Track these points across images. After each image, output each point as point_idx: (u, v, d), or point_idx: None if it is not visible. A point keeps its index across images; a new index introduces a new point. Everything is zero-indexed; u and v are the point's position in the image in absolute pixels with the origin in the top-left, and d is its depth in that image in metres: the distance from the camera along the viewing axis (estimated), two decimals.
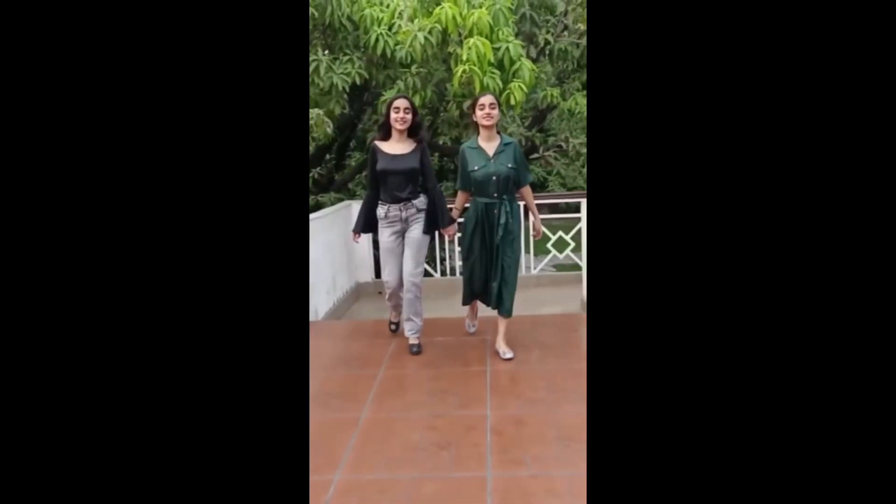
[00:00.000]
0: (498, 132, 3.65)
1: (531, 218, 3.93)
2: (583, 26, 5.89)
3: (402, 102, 3.69)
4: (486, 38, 4.89)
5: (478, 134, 3.64)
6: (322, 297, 5.32)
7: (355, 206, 6.41)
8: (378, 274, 6.92)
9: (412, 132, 3.75)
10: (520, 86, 4.99)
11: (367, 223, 3.95)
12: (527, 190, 3.82)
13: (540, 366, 3.57)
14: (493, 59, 4.93)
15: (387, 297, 4.14)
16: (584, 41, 5.90)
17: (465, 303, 4.06)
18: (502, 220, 3.59)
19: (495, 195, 3.57)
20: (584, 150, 6.59)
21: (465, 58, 4.74)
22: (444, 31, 4.94)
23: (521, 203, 3.82)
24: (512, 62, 5.07)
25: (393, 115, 3.66)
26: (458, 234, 4.28)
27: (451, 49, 5.12)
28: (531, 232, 4.02)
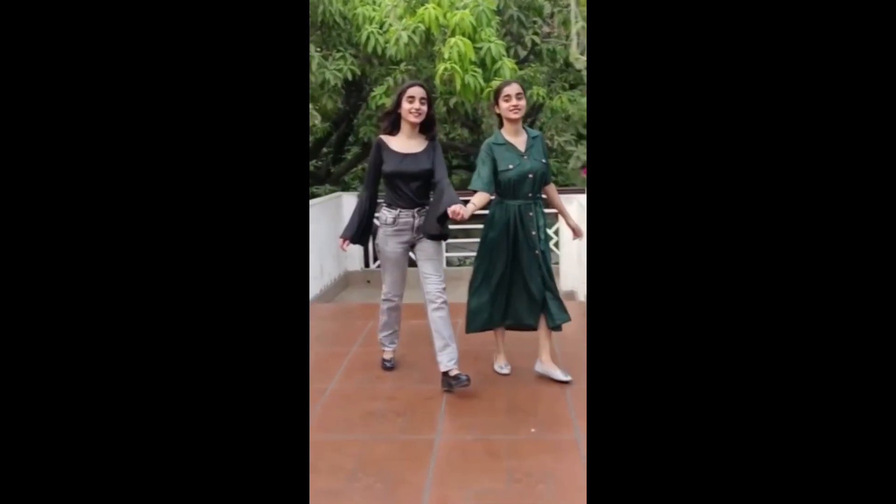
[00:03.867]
0: (523, 126, 3.26)
1: (568, 219, 3.45)
2: (566, 29, 6.11)
3: (418, 91, 3.10)
4: (469, 38, 5.12)
5: (500, 127, 3.23)
6: (310, 282, 5.57)
7: (346, 198, 6.67)
8: (367, 262, 7.19)
9: (425, 127, 3.19)
10: None
11: (362, 231, 3.31)
12: (553, 188, 3.39)
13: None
14: (474, 59, 5.16)
15: (382, 321, 3.48)
16: (568, 42, 6.12)
17: (472, 330, 3.35)
18: (541, 223, 3.20)
19: (530, 195, 3.18)
20: (569, 148, 6.81)
21: (446, 56, 4.98)
22: (428, 31, 5.18)
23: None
24: (493, 61, 5.30)
25: (407, 106, 3.08)
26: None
27: (436, 48, 5.37)
28: (570, 235, 3.54)
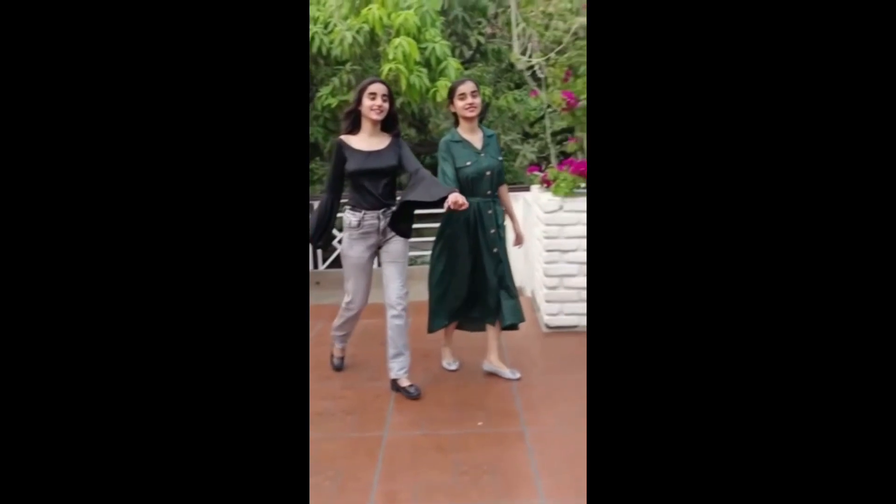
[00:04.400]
0: (478, 125, 3.28)
1: (515, 224, 3.54)
2: (509, 30, 6.20)
3: (379, 87, 3.03)
4: (414, 38, 5.14)
5: (456, 126, 3.26)
6: None
7: None
8: (316, 264, 7.12)
9: (387, 125, 3.12)
10: (446, 84, 5.25)
11: (320, 233, 3.20)
12: (505, 188, 3.41)
13: (452, 344, 3.84)
14: (419, 59, 5.19)
15: (338, 322, 3.37)
16: (511, 42, 6.22)
17: (438, 327, 3.38)
18: (500, 221, 3.25)
19: (489, 192, 3.21)
20: (515, 146, 6.92)
21: (391, 56, 4.99)
22: (373, 31, 5.19)
23: None
24: (439, 61, 5.34)
25: (368, 103, 3.01)
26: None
27: (381, 48, 5.38)
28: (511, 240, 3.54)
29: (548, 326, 4.07)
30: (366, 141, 3.07)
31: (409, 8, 5.29)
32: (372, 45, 5.46)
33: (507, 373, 3.35)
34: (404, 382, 3.19)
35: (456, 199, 2.81)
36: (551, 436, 2.73)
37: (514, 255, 5.90)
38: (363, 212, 3.06)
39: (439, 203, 2.90)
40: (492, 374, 3.39)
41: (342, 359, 3.58)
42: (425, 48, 5.31)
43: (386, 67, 5.04)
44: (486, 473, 2.44)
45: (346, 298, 3.24)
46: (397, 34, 5.14)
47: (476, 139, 3.21)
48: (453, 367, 3.50)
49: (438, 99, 5.31)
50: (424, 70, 5.26)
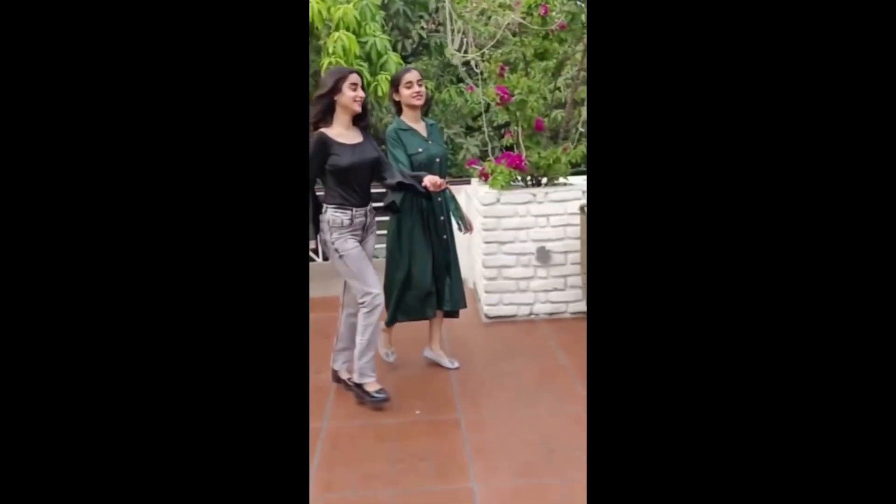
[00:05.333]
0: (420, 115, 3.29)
1: (461, 212, 3.50)
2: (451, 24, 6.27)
3: (358, 78, 2.90)
4: (354, 32, 5.16)
5: (399, 115, 3.26)
6: None
7: None
8: None
9: (359, 117, 2.97)
10: (387, 78, 5.30)
11: (316, 232, 3.02)
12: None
13: (391, 336, 3.89)
14: (360, 53, 5.22)
15: (365, 338, 2.98)
16: (452, 37, 6.28)
17: (392, 323, 3.41)
18: (452, 207, 3.32)
19: None
20: (458, 140, 7.00)
21: (331, 50, 5.01)
22: (312, 25, 5.18)
23: None
24: (379, 55, 5.37)
25: (351, 94, 2.85)
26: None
27: (321, 42, 5.38)
28: (461, 228, 3.49)
29: (487, 316, 4.17)
30: (345, 134, 2.91)
31: (348, 2, 5.31)
32: (311, 39, 5.45)
33: (445, 362, 3.43)
34: (345, 375, 3.21)
35: (433, 179, 2.87)
36: (485, 422, 2.82)
37: (459, 246, 6.00)
38: (352, 209, 2.91)
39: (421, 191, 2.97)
40: (431, 363, 3.47)
41: (381, 392, 3.01)
42: (366, 42, 5.34)
43: (325, 61, 5.06)
44: (422, 460, 2.51)
45: (367, 294, 2.90)
46: (337, 28, 5.16)
47: (421, 127, 3.25)
48: (391, 358, 3.55)
49: (380, 93, 5.36)
50: (365, 64, 5.29)
